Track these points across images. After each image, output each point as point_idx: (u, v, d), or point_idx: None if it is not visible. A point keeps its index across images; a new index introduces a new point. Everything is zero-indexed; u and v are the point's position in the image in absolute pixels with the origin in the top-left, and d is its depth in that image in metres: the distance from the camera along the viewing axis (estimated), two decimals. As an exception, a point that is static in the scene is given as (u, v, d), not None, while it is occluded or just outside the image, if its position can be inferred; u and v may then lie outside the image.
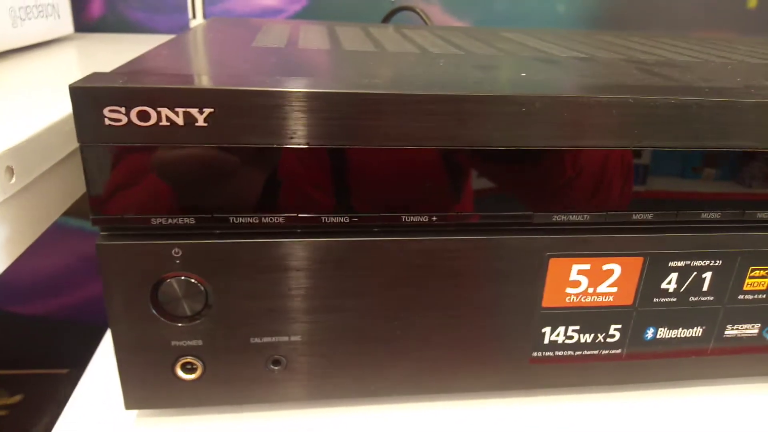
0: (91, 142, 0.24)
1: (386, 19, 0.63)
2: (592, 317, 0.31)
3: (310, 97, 0.24)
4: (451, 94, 0.25)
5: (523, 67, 0.34)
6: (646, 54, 0.43)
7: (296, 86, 0.24)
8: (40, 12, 0.55)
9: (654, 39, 0.54)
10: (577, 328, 0.31)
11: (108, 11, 0.70)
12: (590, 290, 0.30)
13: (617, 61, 0.38)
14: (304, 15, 0.71)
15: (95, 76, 0.25)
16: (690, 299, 0.31)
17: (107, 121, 0.24)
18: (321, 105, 0.24)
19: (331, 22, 0.56)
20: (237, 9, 0.71)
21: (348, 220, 0.27)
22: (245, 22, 0.55)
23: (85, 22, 0.69)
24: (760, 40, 0.61)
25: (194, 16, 0.71)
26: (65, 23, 0.60)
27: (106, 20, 0.70)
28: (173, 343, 0.28)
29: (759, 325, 0.33)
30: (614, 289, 0.30)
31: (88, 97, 0.23)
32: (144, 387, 0.29)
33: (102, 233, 0.26)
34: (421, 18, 0.61)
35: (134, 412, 0.31)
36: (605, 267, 0.30)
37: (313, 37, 0.44)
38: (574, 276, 0.30)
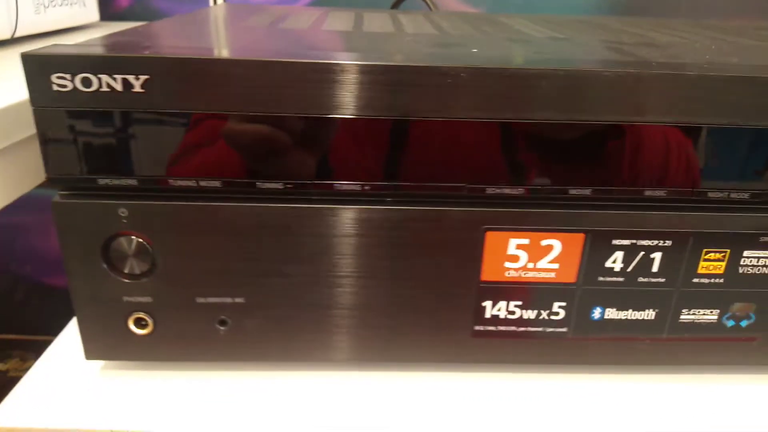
0: (42, 106, 0.26)
1: (395, 6, 0.64)
2: (534, 293, 0.31)
3: (235, 64, 0.25)
4: (379, 63, 0.26)
5: (485, 45, 0.35)
6: (635, 36, 0.42)
7: (224, 55, 0.26)
8: (64, 0, 0.59)
9: (660, 24, 0.53)
10: (519, 303, 0.31)
11: (135, 1, 0.74)
12: (530, 265, 0.30)
13: (592, 41, 0.38)
14: (319, 2, 0.73)
15: (52, 46, 0.27)
16: (639, 280, 0.30)
17: (55, 87, 0.26)
18: (246, 73, 0.26)
19: (329, 8, 0.57)
20: (254, -2, 0.74)
21: (282, 187, 0.28)
22: (250, 7, 0.57)
23: (114, 11, 0.73)
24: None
25: (215, 4, 0.73)
26: (90, 11, 0.64)
27: (134, 10, 0.74)
28: (125, 298, 0.30)
29: (718, 311, 0.32)
30: (555, 266, 0.30)
31: (37, 64, 0.25)
32: (101, 339, 0.31)
33: (59, 192, 0.29)
34: (427, 4, 0.61)
35: (99, 364, 0.33)
36: (544, 242, 0.29)
37: (295, 19, 0.45)
38: (512, 250, 0.30)
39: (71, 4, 0.60)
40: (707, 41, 0.41)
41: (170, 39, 0.34)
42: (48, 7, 0.55)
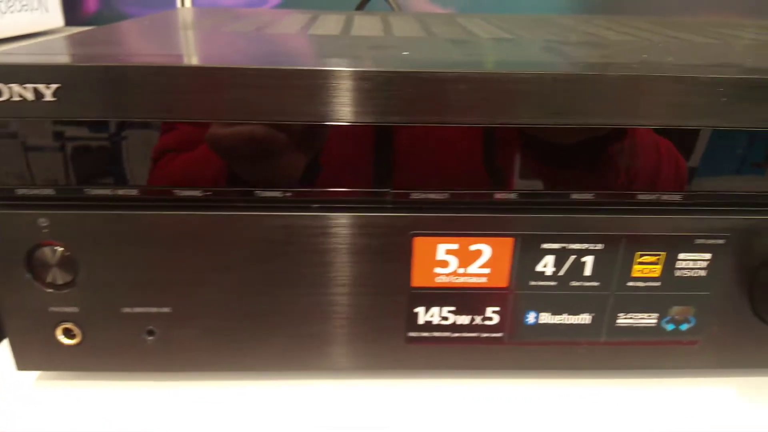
0: (-44, 116, 0.26)
1: (360, 7, 0.63)
2: (466, 298, 0.30)
3: (151, 72, 0.25)
4: (292, 68, 0.25)
5: (422, 47, 0.34)
6: (586, 35, 0.41)
7: (136, 62, 0.25)
8: (24, 6, 0.58)
9: (622, 22, 0.52)
10: (452, 309, 0.30)
11: (103, 6, 0.73)
12: (460, 271, 0.29)
13: (535, 42, 0.37)
14: (286, 5, 0.73)
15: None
16: (571, 284, 0.30)
17: (-33, 97, 0.25)
18: (162, 80, 0.25)
19: (289, 11, 0.57)
20: (222, 0, 0.73)
21: (201, 194, 0.27)
22: (205, 11, 0.56)
23: (81, 16, 0.73)
24: (753, 23, 0.58)
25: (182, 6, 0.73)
26: (54, 17, 0.64)
27: (102, 15, 0.73)
28: (51, 309, 0.30)
29: (657, 315, 0.31)
30: (487, 270, 0.30)
31: (-53, 73, 0.25)
32: (31, 350, 0.31)
33: (-18, 202, 0.28)
34: (390, 5, 0.61)
35: (35, 374, 0.33)
36: (473, 247, 0.29)
37: (233, 23, 0.45)
38: (441, 256, 0.29)
39: (32, 10, 0.60)
40: (658, 39, 0.40)
41: (101, 46, 0.33)
42: (5, 12, 0.55)
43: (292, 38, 0.37)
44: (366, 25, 0.45)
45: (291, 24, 0.44)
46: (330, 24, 0.45)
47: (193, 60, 0.28)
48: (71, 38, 0.34)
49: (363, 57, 0.30)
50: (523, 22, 0.49)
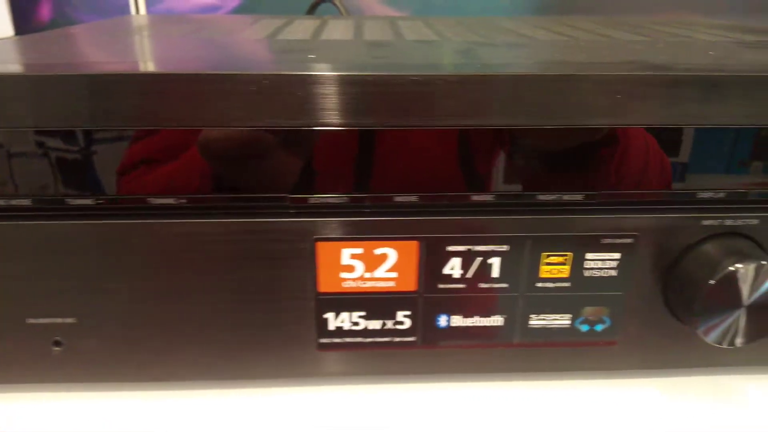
0: None
1: (310, 12, 0.63)
2: (376, 303, 0.30)
3: (38, 81, 0.25)
4: (172, 73, 0.25)
5: (336, 51, 0.34)
6: (515, 35, 0.41)
7: (25, 71, 0.25)
8: (-33, 16, 0.58)
9: (562, 22, 0.52)
10: (363, 314, 0.30)
11: (57, 15, 0.73)
12: (367, 275, 0.29)
13: (454, 45, 0.37)
14: (241, 10, 0.72)
15: None
16: (480, 286, 0.30)
17: None
18: (50, 89, 0.25)
19: (234, 16, 0.57)
20: (177, 7, 0.73)
21: (93, 203, 0.27)
22: (149, 18, 0.56)
23: (34, 25, 0.73)
24: (699, 21, 0.58)
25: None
26: (2, 26, 0.63)
27: (56, 23, 0.73)
28: (-46, 321, 0.29)
29: (569, 315, 0.31)
30: (394, 274, 0.29)
31: None
32: (-63, 363, 0.30)
33: None
34: (337, 8, 0.61)
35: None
36: (378, 251, 0.29)
37: (163, 28, 0.45)
38: (346, 260, 0.29)
39: (-24, 20, 0.59)
40: (586, 38, 0.40)
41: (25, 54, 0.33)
42: (-53, 23, 0.55)
43: (210, 44, 0.37)
44: (298, 27, 0.45)
45: (227, 29, 0.44)
46: (260, 30, 0.44)
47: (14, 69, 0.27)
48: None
49: (263, 60, 0.30)
50: (460, 25, 0.49)
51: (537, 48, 0.35)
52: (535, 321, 0.31)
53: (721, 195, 0.28)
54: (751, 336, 0.28)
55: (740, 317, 0.28)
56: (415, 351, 0.31)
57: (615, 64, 0.30)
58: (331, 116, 0.26)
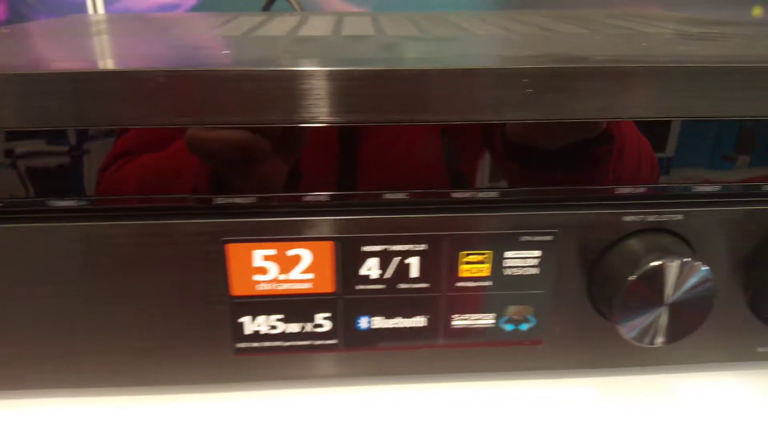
0: None
1: (266, 8, 0.62)
2: (293, 306, 0.29)
3: None
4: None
5: (262, 47, 0.33)
6: (459, 30, 0.41)
7: None
8: None
9: (512, 17, 0.51)
10: (280, 317, 0.29)
11: (12, 15, 0.72)
12: (282, 277, 0.28)
13: (385, 38, 0.36)
14: (199, 8, 0.71)
15: None
16: (400, 286, 0.29)
17: None
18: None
19: (189, 14, 0.56)
20: (135, 6, 0.72)
21: (-9, 206, 0.26)
22: (99, 17, 0.55)
23: (-12, 25, 0.71)
24: (650, 14, 0.57)
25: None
26: (-50, 27, 0.62)
27: (12, 24, 0.72)
28: None
29: (493, 315, 0.30)
30: (310, 276, 0.28)
31: None
32: None
33: None
34: (291, 5, 0.60)
35: None
36: (291, 252, 0.28)
37: (104, 27, 0.44)
38: (259, 262, 0.28)
39: None
40: (527, 32, 0.39)
41: None
42: None
43: (153, 41, 0.36)
44: (241, 24, 0.44)
45: (178, 29, 0.43)
46: (199, 25, 0.43)
47: None
48: None
49: (166, 56, 0.29)
50: (407, 20, 0.48)
51: (464, 42, 0.34)
52: (459, 321, 0.30)
53: (641, 190, 0.28)
54: (673, 335, 0.28)
55: (661, 315, 0.27)
56: (337, 354, 0.30)
57: (526, 58, 0.29)
58: (229, 115, 0.25)
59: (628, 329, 0.27)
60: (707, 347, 0.32)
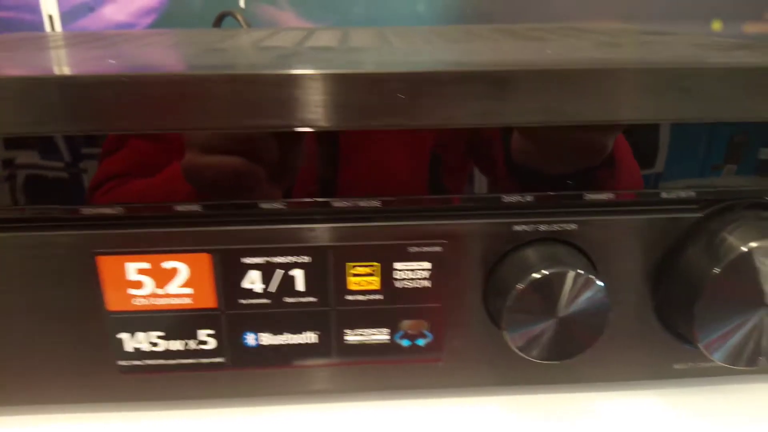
0: None
1: (216, 24, 0.62)
2: (173, 322, 0.28)
3: None
4: None
5: (172, 56, 0.33)
6: (385, 43, 0.40)
7: None
8: None
9: (462, 30, 0.51)
10: (161, 334, 0.28)
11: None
12: (159, 291, 0.27)
13: (296, 49, 0.36)
14: (155, 26, 0.72)
15: None
16: (286, 300, 0.28)
17: None
18: None
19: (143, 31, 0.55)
20: (92, 26, 0.72)
21: None
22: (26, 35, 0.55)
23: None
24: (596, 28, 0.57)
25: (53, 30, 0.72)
26: None
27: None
28: None
29: (387, 330, 0.29)
30: (189, 290, 0.27)
31: None
32: None
33: None
34: (238, 22, 0.60)
35: None
36: (167, 265, 0.27)
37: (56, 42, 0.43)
38: (133, 276, 0.27)
39: None
40: (446, 46, 0.39)
41: None
42: None
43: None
44: (180, 38, 0.43)
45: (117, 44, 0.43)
46: (134, 44, 0.43)
47: None
48: None
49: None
50: (343, 33, 0.47)
51: (372, 52, 0.33)
52: (352, 336, 0.29)
53: (529, 198, 0.27)
54: (563, 351, 0.26)
55: (551, 328, 0.26)
56: (224, 373, 0.29)
57: (409, 63, 0.28)
58: (93, 121, 0.24)
59: (515, 339, 0.26)
60: (621, 364, 0.31)
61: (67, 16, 0.71)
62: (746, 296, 0.26)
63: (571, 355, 0.26)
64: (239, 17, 0.59)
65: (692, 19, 0.76)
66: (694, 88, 0.25)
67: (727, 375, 0.32)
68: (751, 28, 0.77)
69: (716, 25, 0.74)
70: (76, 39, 0.44)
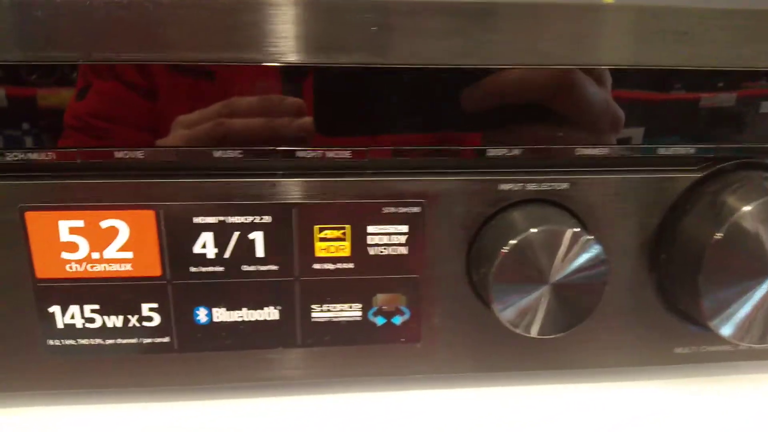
0: None
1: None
2: (112, 293, 0.24)
3: None
4: None
5: None
6: None
7: None
8: None
9: None
10: (96, 307, 0.24)
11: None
12: (95, 256, 0.24)
13: None
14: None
15: None
16: (244, 269, 0.24)
17: None
18: None
19: None
20: None
21: None
22: None
23: None
24: None
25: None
26: None
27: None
28: None
29: (360, 305, 0.26)
30: (129, 254, 0.24)
31: None
32: None
33: None
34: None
35: None
36: (105, 224, 0.23)
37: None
38: (66, 236, 0.23)
39: None
40: None
41: None
42: None
43: None
44: None
45: None
46: None
47: None
48: None
49: None
50: None
51: None
52: (319, 313, 0.25)
53: (516, 152, 0.24)
54: (555, 324, 0.23)
55: (543, 297, 0.23)
56: (171, 356, 0.25)
57: None
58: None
59: (503, 309, 0.23)
60: (618, 348, 0.28)
61: None
62: (753, 263, 0.24)
63: (569, 326, 0.23)
64: None
65: None
66: (692, 31, 0.23)
67: (731, 361, 0.29)
68: None
69: None
70: None
